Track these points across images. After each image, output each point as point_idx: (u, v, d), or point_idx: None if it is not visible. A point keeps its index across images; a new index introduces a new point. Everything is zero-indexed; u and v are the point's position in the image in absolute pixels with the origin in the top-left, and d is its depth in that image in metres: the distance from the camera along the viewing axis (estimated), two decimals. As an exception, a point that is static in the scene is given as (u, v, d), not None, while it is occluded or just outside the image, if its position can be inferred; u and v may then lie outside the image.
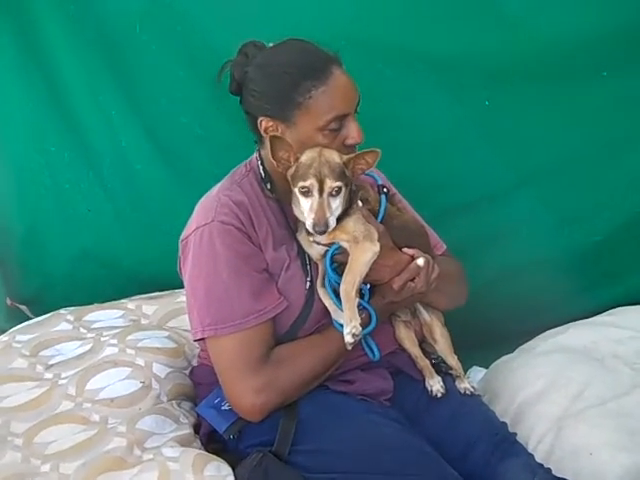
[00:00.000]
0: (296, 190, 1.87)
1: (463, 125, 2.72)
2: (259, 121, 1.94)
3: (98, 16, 2.60)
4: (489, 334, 2.78)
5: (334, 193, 1.85)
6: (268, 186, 2.01)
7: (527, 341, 2.64)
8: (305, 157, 1.87)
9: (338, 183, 1.84)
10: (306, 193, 1.85)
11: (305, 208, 1.86)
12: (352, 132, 1.94)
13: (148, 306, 2.62)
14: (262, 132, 1.94)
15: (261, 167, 2.02)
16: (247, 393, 1.90)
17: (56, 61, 2.66)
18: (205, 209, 1.98)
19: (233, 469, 1.90)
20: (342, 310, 1.88)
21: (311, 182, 1.84)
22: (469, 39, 2.59)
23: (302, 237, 1.98)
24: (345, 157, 1.87)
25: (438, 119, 2.71)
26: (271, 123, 1.92)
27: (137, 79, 2.71)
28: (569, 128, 2.71)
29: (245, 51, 1.97)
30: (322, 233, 1.85)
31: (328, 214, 1.83)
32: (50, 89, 2.69)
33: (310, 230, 1.85)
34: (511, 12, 2.55)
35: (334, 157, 1.87)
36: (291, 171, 1.88)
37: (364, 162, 1.88)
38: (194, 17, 2.60)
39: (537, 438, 2.15)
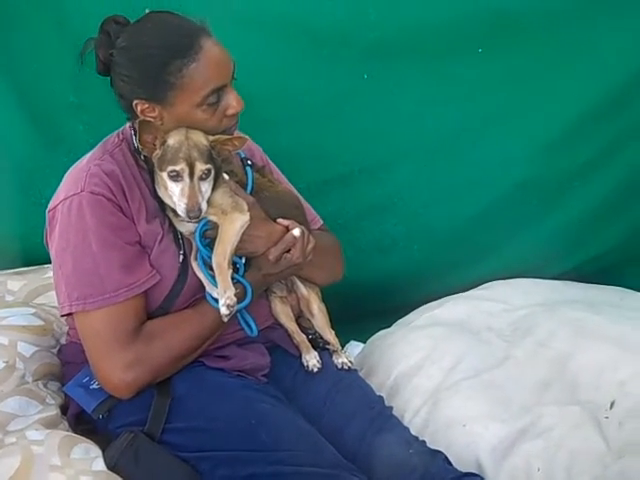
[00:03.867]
0: (164, 174, 1.83)
1: (341, 98, 2.70)
2: (134, 104, 1.87)
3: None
4: (366, 308, 2.79)
5: (204, 176, 1.82)
6: (142, 157, 1.93)
7: (405, 315, 2.66)
8: (172, 140, 1.83)
9: (208, 166, 1.82)
10: (175, 177, 1.81)
11: (175, 192, 1.82)
12: (232, 102, 1.90)
13: (14, 282, 2.50)
14: (139, 114, 1.87)
15: (134, 137, 1.94)
16: (116, 369, 1.83)
17: None
18: (74, 179, 1.90)
19: (103, 451, 1.83)
20: (215, 284, 1.85)
21: (181, 166, 1.80)
22: (348, 12, 2.57)
23: (171, 213, 1.92)
24: (212, 138, 1.85)
25: (316, 91, 2.68)
26: (147, 105, 1.86)
27: (9, 43, 2.58)
28: (446, 103, 2.73)
29: (107, 29, 1.87)
30: (196, 218, 1.81)
31: (200, 199, 1.80)
32: None
33: (183, 216, 1.82)
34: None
35: (201, 140, 1.84)
36: (157, 154, 1.84)
37: (231, 145, 1.87)
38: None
39: (412, 411, 2.18)
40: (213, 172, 1.85)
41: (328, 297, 2.21)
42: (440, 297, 2.72)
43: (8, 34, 2.56)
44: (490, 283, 2.80)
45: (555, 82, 2.68)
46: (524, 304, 2.60)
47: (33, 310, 2.29)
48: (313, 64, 2.64)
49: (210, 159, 1.83)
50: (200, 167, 1.81)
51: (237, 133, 2.00)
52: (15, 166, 2.70)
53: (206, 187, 1.83)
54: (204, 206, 1.82)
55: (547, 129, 2.75)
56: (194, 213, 1.80)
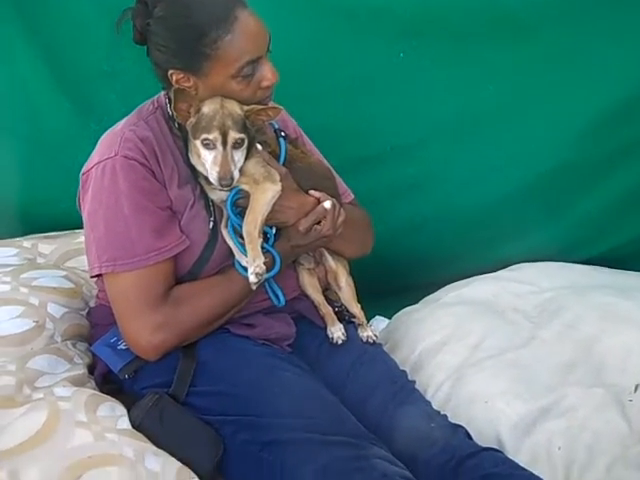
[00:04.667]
0: (197, 142, 1.84)
1: (376, 75, 2.70)
2: (169, 74, 1.87)
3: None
4: (394, 285, 2.80)
5: (237, 145, 1.83)
6: (176, 125, 1.95)
7: (431, 293, 2.66)
8: (207, 109, 1.84)
9: (241, 135, 1.82)
10: (208, 145, 1.83)
11: (208, 160, 1.83)
12: (266, 74, 1.90)
13: (45, 245, 2.53)
14: (174, 84, 1.88)
15: (169, 105, 1.96)
16: (144, 331, 1.86)
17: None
18: (109, 143, 1.91)
19: (128, 411, 1.85)
20: (245, 252, 1.86)
21: (215, 135, 1.81)
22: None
23: (203, 181, 1.94)
24: (247, 108, 1.85)
25: (352, 68, 2.68)
26: (182, 75, 1.87)
27: (41, 12, 2.59)
28: (480, 84, 2.72)
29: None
30: (228, 186, 1.82)
31: (232, 167, 1.81)
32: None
33: (216, 184, 1.83)
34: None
35: (236, 109, 1.84)
36: (191, 122, 1.85)
37: (265, 115, 1.87)
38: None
39: (435, 386, 2.18)
40: (246, 142, 1.85)
41: (356, 271, 2.22)
42: (468, 277, 2.71)
43: (42, 2, 2.58)
44: (518, 265, 2.78)
45: (589, 67, 2.65)
46: (552, 287, 2.59)
47: (64, 273, 2.32)
48: (349, 41, 2.64)
49: (244, 128, 1.83)
50: (233, 136, 1.81)
51: (271, 105, 2.01)
52: (48, 133, 2.73)
53: (239, 156, 1.84)
54: (236, 174, 1.83)
55: (580, 115, 2.72)
56: (226, 181, 1.81)
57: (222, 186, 1.83)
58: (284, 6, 2.54)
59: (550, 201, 2.87)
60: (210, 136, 1.82)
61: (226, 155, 1.82)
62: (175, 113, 1.86)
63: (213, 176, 1.82)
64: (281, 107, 1.90)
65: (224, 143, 1.82)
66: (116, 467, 1.67)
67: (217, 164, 1.81)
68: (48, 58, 2.65)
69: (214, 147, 1.82)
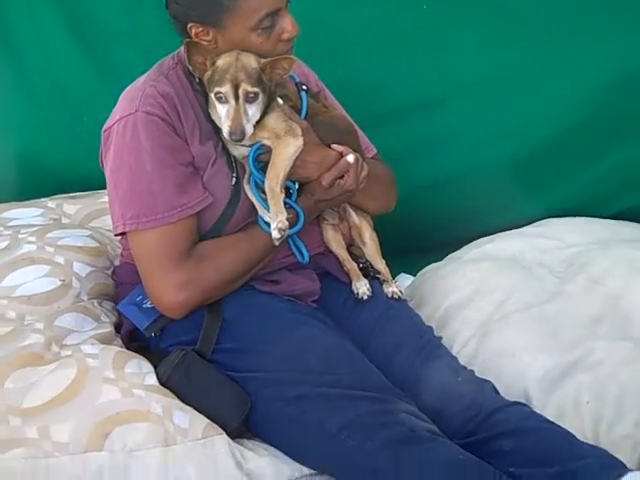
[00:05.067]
0: (212, 95, 1.83)
1: (399, 29, 2.66)
2: (188, 27, 1.85)
3: None
4: (417, 242, 2.78)
5: (250, 99, 1.80)
6: (197, 79, 1.92)
7: (456, 250, 2.64)
8: (222, 61, 1.82)
9: (255, 89, 1.80)
10: (221, 99, 1.81)
11: (221, 114, 1.82)
12: (287, 26, 1.87)
13: (70, 205, 2.54)
14: (193, 38, 1.86)
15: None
16: (168, 289, 1.86)
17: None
18: (129, 99, 1.90)
19: (155, 368, 1.87)
20: (268, 208, 1.85)
21: (226, 88, 1.79)
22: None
23: (224, 137, 1.91)
24: (262, 61, 1.82)
25: (374, 21, 2.65)
26: (201, 29, 1.84)
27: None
28: (505, 40, 2.67)
29: None
30: (239, 141, 1.82)
31: (245, 121, 1.80)
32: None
33: (227, 138, 1.82)
34: None
35: (251, 62, 1.81)
36: (207, 75, 1.83)
37: (280, 67, 1.84)
38: None
39: (462, 342, 2.17)
40: (262, 96, 1.83)
41: (380, 229, 2.20)
42: (492, 234, 2.68)
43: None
44: (543, 220, 2.75)
45: (618, 23, 2.60)
46: (578, 242, 2.56)
47: (88, 232, 2.33)
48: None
49: (259, 82, 1.81)
50: (245, 88, 1.79)
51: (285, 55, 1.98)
52: (68, 93, 2.73)
53: (253, 110, 1.82)
54: (248, 129, 1.81)
55: (604, 71, 2.67)
56: (236, 136, 1.80)
57: (233, 140, 1.82)
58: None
59: (574, 156, 2.82)
60: (222, 89, 1.80)
61: (238, 109, 1.80)
62: (191, 67, 1.85)
63: (225, 130, 1.82)
64: (296, 58, 1.86)
65: (236, 96, 1.80)
66: (145, 423, 1.70)
67: (229, 118, 1.80)
68: (68, 17, 2.65)
69: (226, 101, 1.81)
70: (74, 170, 2.72)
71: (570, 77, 2.71)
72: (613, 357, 2.03)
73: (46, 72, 2.71)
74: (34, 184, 2.71)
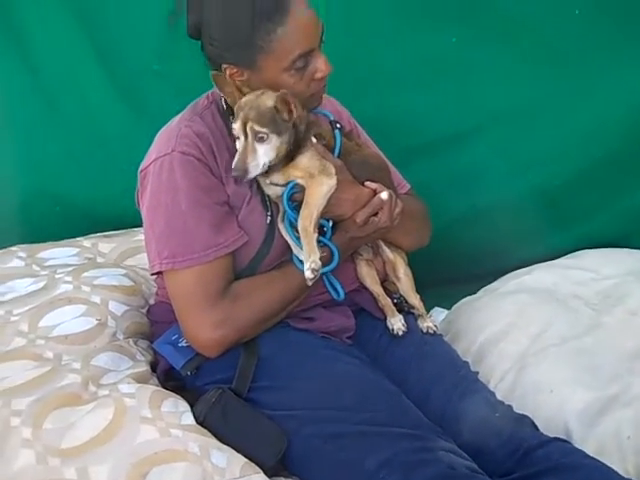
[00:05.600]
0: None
1: (429, 63, 2.68)
2: (223, 68, 1.87)
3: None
4: (451, 275, 2.78)
5: (260, 139, 1.80)
6: (231, 118, 1.93)
7: (490, 282, 2.64)
8: (245, 99, 1.84)
9: (263, 129, 1.80)
10: (235, 136, 1.83)
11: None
12: (320, 65, 1.88)
13: (104, 244, 2.56)
14: (227, 79, 1.88)
15: (223, 100, 1.96)
16: (204, 327, 1.86)
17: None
18: (165, 139, 1.92)
19: (191, 406, 1.86)
20: (302, 246, 1.85)
21: (237, 125, 1.81)
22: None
23: (259, 176, 1.93)
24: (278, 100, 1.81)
25: (404, 56, 2.66)
26: (235, 70, 1.87)
27: (94, 10, 2.63)
28: (535, 71, 2.68)
29: None
30: (241, 179, 1.82)
31: (250, 159, 1.80)
32: (4, 21, 2.61)
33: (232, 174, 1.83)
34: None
35: (267, 101, 1.82)
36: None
37: (289, 107, 1.82)
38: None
39: (499, 376, 2.16)
40: (275, 137, 1.81)
41: (413, 262, 2.19)
42: (526, 265, 2.68)
43: (95, 3, 2.61)
44: (578, 252, 2.75)
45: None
46: (614, 273, 2.55)
47: (124, 271, 2.34)
48: (401, 28, 2.62)
49: (271, 122, 1.80)
50: (253, 127, 1.80)
51: (325, 97, 2.00)
52: (101, 132, 2.75)
53: (264, 150, 1.81)
54: (253, 169, 1.81)
55: (638, 99, 2.68)
56: (237, 173, 1.80)
57: (235, 177, 1.83)
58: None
59: (608, 186, 2.83)
60: (235, 126, 1.82)
61: (245, 147, 1.80)
62: (225, 96, 1.88)
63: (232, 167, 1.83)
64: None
65: (245, 135, 1.81)
66: (182, 463, 1.69)
67: (236, 155, 1.82)
68: (101, 56, 2.68)
69: (238, 138, 1.82)
70: (108, 208, 2.74)
71: (601, 106, 2.71)
72: (654, 391, 2.00)
73: (79, 111, 2.74)
74: (68, 223, 2.73)
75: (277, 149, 1.83)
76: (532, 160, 2.79)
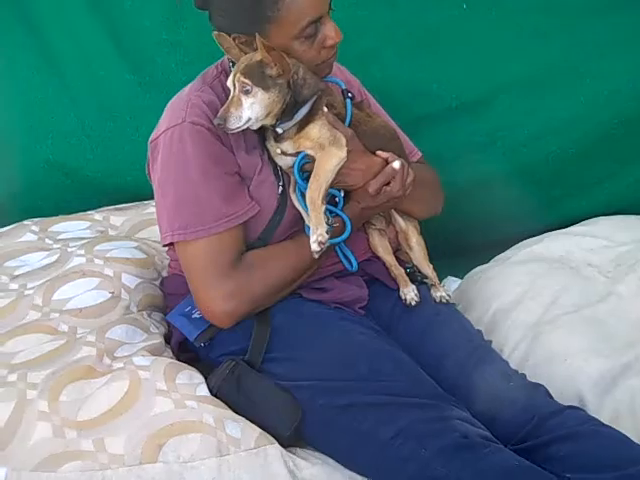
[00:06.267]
0: None
1: (440, 30, 2.65)
2: (232, 38, 1.85)
3: None
4: (464, 243, 2.77)
5: (244, 91, 1.79)
6: None
7: (502, 251, 2.62)
8: (243, 57, 1.83)
9: (247, 80, 1.78)
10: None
11: None
12: (330, 33, 1.86)
13: (116, 217, 2.56)
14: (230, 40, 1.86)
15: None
16: (217, 299, 1.86)
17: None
18: (175, 110, 1.91)
19: (205, 378, 1.88)
20: None
21: (229, 78, 1.81)
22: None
23: (270, 147, 1.92)
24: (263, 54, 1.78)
25: (413, 23, 2.64)
26: (244, 39, 1.85)
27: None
28: (547, 35, 2.64)
29: None
30: (220, 127, 1.79)
31: (233, 109, 1.78)
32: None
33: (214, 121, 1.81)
34: None
35: (256, 56, 1.80)
36: None
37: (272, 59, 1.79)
38: None
39: (512, 345, 2.15)
40: (260, 91, 1.78)
41: (425, 231, 2.18)
42: (539, 233, 2.66)
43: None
44: (591, 219, 2.72)
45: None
46: (627, 240, 2.52)
47: (135, 244, 2.35)
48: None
49: (256, 75, 1.78)
50: (240, 78, 1.78)
51: (335, 65, 1.98)
52: (110, 103, 2.74)
53: (249, 103, 1.78)
54: (234, 121, 1.78)
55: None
56: (217, 121, 1.78)
57: (215, 126, 1.81)
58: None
59: (622, 153, 2.78)
60: (228, 79, 1.83)
61: (231, 98, 1.80)
62: (229, 56, 1.87)
63: None
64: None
65: (234, 86, 1.80)
66: (198, 434, 1.71)
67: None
68: (108, 27, 2.67)
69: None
70: (118, 180, 2.74)
71: (615, 72, 2.67)
72: (668, 359, 2.00)
73: (88, 83, 2.73)
74: (79, 196, 2.74)
75: (265, 105, 1.80)
76: (545, 127, 2.75)
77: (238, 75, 1.79)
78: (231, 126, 1.79)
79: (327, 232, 1.81)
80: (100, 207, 2.65)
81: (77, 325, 1.98)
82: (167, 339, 2.08)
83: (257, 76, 1.79)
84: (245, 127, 1.81)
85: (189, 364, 1.94)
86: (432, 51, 2.67)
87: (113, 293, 2.09)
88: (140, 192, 2.48)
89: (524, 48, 2.66)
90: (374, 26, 2.62)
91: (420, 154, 2.29)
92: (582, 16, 2.61)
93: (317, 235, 1.80)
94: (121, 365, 1.84)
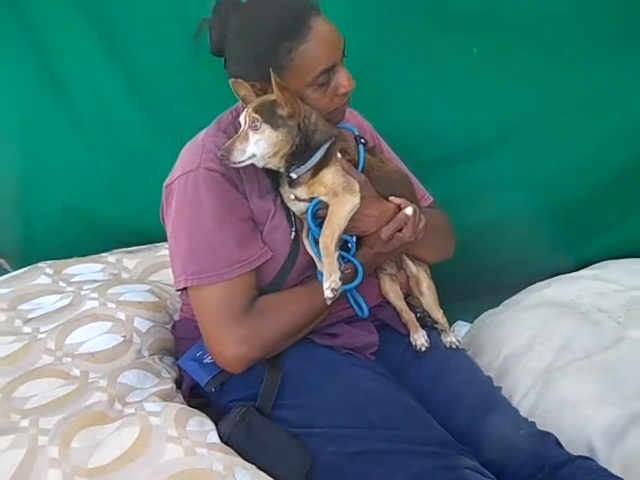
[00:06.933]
0: None
1: (451, 73, 2.67)
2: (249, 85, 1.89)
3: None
4: (474, 286, 2.78)
5: (253, 127, 1.81)
6: None
7: (512, 295, 2.63)
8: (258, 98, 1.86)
9: (257, 116, 1.80)
10: None
11: None
12: (342, 81, 1.89)
13: (129, 260, 2.58)
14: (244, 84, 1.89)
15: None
16: (229, 344, 1.87)
17: (35, 6, 2.59)
18: (190, 155, 1.94)
19: (216, 424, 1.87)
20: None
21: (242, 115, 1.84)
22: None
23: (284, 192, 1.94)
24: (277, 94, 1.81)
25: (425, 68, 2.66)
26: (259, 87, 1.88)
27: (117, 25, 2.64)
28: (556, 81, 2.66)
29: (220, 11, 1.90)
30: (223, 159, 1.81)
31: (238, 143, 1.80)
32: (29, 37, 2.63)
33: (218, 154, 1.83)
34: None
35: (270, 96, 1.83)
36: None
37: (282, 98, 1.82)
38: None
39: (522, 392, 2.15)
40: (268, 128, 1.81)
41: (436, 275, 2.19)
42: (549, 276, 2.68)
43: (119, 16, 2.62)
44: (600, 263, 2.74)
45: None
46: (638, 284, 2.52)
47: (148, 287, 2.36)
48: (422, 39, 2.62)
49: (267, 112, 1.81)
50: (250, 114, 1.81)
51: (348, 110, 2.01)
52: (125, 147, 2.77)
53: (256, 139, 1.81)
54: (238, 154, 1.80)
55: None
56: (221, 152, 1.80)
57: (220, 158, 1.82)
58: (355, 9, 2.53)
59: (630, 196, 2.81)
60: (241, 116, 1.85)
61: (240, 132, 1.82)
62: (243, 103, 1.89)
63: None
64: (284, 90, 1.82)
65: (245, 122, 1.82)
66: (207, 481, 1.70)
67: None
68: (125, 72, 2.70)
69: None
70: (132, 224, 2.76)
71: (623, 115, 2.69)
72: (679, 406, 1.99)
73: (104, 127, 2.75)
74: (93, 239, 2.75)
75: (271, 143, 1.83)
76: (555, 171, 2.77)
77: (250, 110, 1.82)
78: (234, 159, 1.81)
79: (340, 279, 1.82)
80: (114, 249, 2.67)
81: (89, 370, 1.99)
82: (178, 384, 2.08)
83: (268, 113, 1.81)
84: (248, 163, 1.83)
85: (200, 409, 1.93)
86: (444, 94, 2.70)
87: (125, 337, 2.10)
88: (154, 235, 2.50)
89: (534, 91, 2.68)
90: (386, 70, 2.64)
91: (432, 199, 2.31)
92: (591, 59, 2.62)
93: (330, 282, 1.81)
94: (132, 411, 1.85)
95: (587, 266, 2.74)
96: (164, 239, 2.03)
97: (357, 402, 1.86)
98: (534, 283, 2.66)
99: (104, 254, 2.62)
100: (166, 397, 1.95)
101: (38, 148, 2.75)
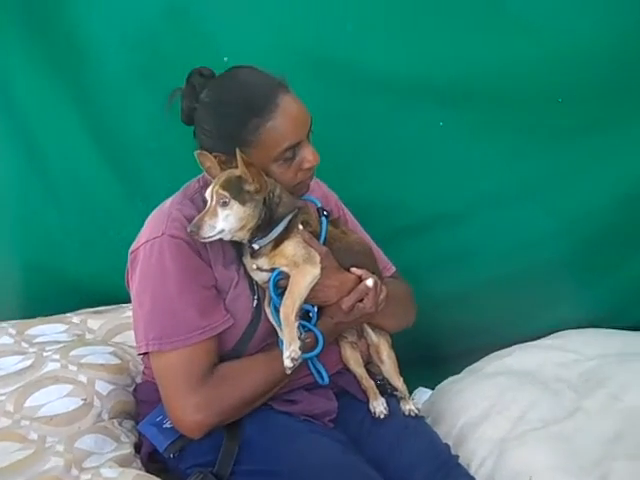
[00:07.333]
0: None
1: (416, 146, 2.71)
2: (213, 156, 1.92)
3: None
4: (436, 353, 2.80)
5: (221, 203, 1.84)
6: None
7: (474, 361, 2.65)
8: (223, 172, 1.89)
9: (225, 192, 1.84)
10: None
11: None
12: (307, 156, 1.94)
13: (93, 320, 2.58)
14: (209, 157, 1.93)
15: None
16: (187, 410, 1.87)
17: (5, 61, 2.61)
18: (156, 222, 1.96)
19: (173, 491, 1.88)
20: None
21: (208, 190, 1.87)
22: (424, 60, 2.58)
23: (247, 262, 1.97)
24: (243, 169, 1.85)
25: (391, 139, 2.70)
26: (224, 158, 1.92)
27: (89, 87, 2.66)
28: (523, 152, 2.71)
29: (192, 82, 1.95)
30: (192, 234, 1.84)
31: (207, 219, 1.83)
32: (3, 104, 2.66)
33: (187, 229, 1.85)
34: (465, 37, 2.54)
35: (236, 171, 1.86)
36: None
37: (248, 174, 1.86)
38: (148, 25, 2.57)
39: (479, 461, 2.16)
40: (236, 204, 1.84)
41: (398, 341, 2.22)
42: (511, 344, 2.70)
43: (90, 79, 2.64)
44: (562, 332, 2.76)
45: (628, 135, 2.64)
46: (597, 355, 2.56)
47: (111, 349, 2.36)
48: (388, 112, 2.65)
49: (234, 188, 1.84)
50: (217, 190, 1.84)
51: (313, 181, 2.05)
52: (94, 208, 2.77)
53: (225, 214, 1.84)
54: (208, 230, 1.83)
55: (623, 179, 2.70)
56: (191, 228, 1.82)
57: (189, 233, 1.84)
58: (322, 79, 2.57)
59: (594, 266, 2.84)
60: (207, 191, 1.88)
61: (208, 208, 1.85)
62: (208, 175, 1.93)
63: None
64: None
65: (212, 198, 1.85)
66: None
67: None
68: (95, 133, 2.71)
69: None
70: (98, 283, 2.75)
71: (588, 188, 2.73)
72: (634, 477, 2.01)
73: (73, 188, 2.76)
74: (58, 297, 2.74)
75: (240, 218, 1.86)
76: (519, 242, 2.81)
77: (217, 187, 1.85)
78: (204, 234, 1.84)
79: (300, 348, 1.85)
80: (79, 308, 2.67)
81: (47, 434, 1.98)
82: (137, 448, 2.08)
83: (235, 190, 1.85)
84: (217, 237, 1.86)
85: (158, 475, 1.94)
86: (409, 165, 2.73)
87: (85, 400, 2.10)
88: (120, 295, 2.47)
89: (500, 163, 2.72)
90: (352, 141, 2.68)
91: (394, 269, 2.34)
92: (554, 135, 2.68)
93: (290, 351, 1.83)
94: (89, 477, 1.84)
95: (548, 334, 2.77)
96: (130, 300, 2.04)
97: (314, 468, 1.88)
98: (496, 350, 2.69)
99: (68, 314, 2.61)
100: (124, 462, 1.95)
101: (4, 205, 2.75)
